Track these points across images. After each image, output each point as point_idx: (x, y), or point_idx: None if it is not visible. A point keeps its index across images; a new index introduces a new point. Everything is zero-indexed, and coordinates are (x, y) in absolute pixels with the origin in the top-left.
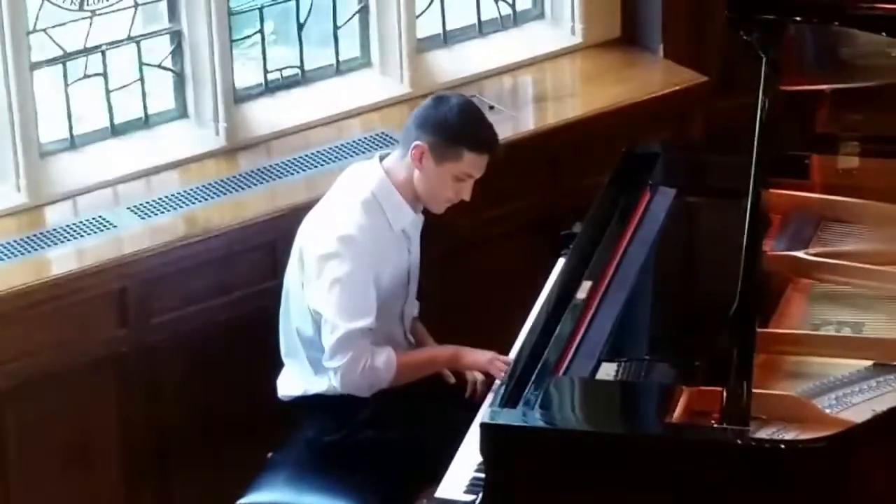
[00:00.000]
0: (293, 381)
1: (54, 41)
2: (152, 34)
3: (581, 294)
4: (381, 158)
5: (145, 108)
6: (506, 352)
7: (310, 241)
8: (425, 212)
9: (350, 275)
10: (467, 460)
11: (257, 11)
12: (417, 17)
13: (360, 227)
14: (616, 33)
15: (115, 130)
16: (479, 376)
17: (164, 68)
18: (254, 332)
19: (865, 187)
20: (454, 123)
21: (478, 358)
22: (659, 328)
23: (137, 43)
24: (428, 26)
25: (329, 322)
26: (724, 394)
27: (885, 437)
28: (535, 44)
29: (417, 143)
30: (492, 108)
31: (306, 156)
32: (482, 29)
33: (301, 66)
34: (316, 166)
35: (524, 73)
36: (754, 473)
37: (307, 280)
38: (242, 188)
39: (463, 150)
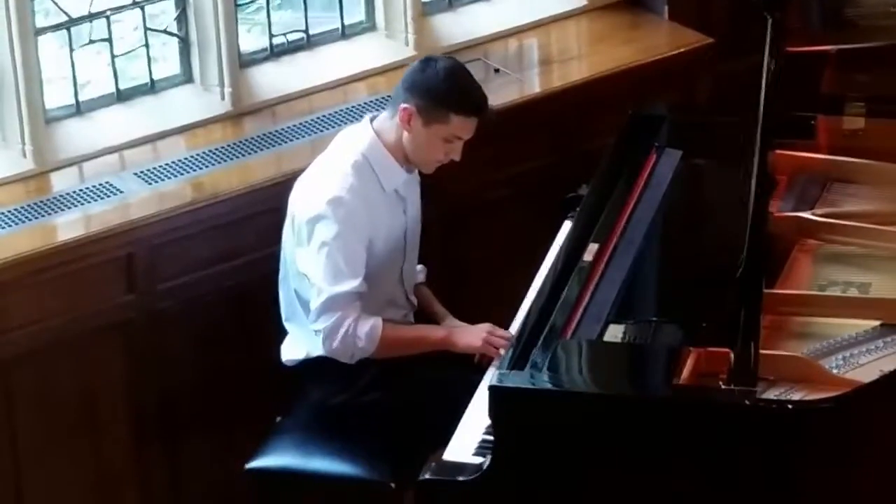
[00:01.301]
0: (295, 346)
1: (59, 7)
2: None
3: (588, 256)
4: (372, 120)
5: (150, 73)
6: (512, 315)
7: (300, 205)
8: (430, 174)
9: (337, 237)
10: (476, 423)
11: None
12: None
13: (350, 189)
14: None
15: (121, 96)
16: None
17: (170, 33)
18: (260, 297)
19: (871, 148)
20: (441, 87)
21: (471, 342)
22: (666, 290)
23: (142, 8)
24: None
25: (315, 285)
26: (732, 355)
27: (893, 397)
28: (540, 6)
29: (405, 105)
30: (497, 71)
31: (312, 120)
32: None
33: (306, 31)
34: (321, 130)
35: (529, 35)
36: (762, 434)
37: (299, 244)
38: (248, 153)
39: (450, 114)
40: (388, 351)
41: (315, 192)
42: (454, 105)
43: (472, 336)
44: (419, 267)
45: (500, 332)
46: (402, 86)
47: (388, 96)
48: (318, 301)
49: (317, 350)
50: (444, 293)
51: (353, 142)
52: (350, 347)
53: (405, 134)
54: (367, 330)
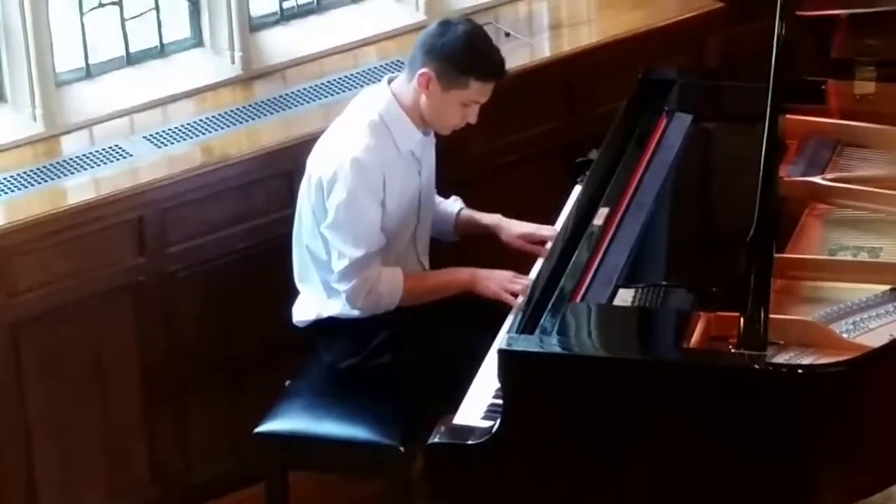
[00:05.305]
0: (307, 306)
1: None
2: None
3: (598, 221)
4: (390, 81)
5: (161, 36)
6: (523, 273)
7: (318, 165)
8: (441, 137)
9: (355, 199)
10: (485, 386)
11: None
12: None
13: (366, 149)
14: None
15: (131, 59)
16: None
17: None
18: (270, 260)
19: (882, 112)
20: (461, 52)
21: (489, 286)
22: (676, 254)
23: None
24: None
25: (335, 248)
26: (742, 319)
27: None
28: None
29: (424, 70)
30: (508, 35)
31: (322, 84)
32: None
33: None
34: (332, 94)
35: None
36: (771, 399)
37: (317, 204)
38: (258, 117)
39: (470, 79)
40: (412, 301)
41: (332, 153)
42: (474, 71)
43: (490, 283)
44: (453, 197)
45: (522, 280)
46: (421, 50)
47: (399, 60)
48: (340, 265)
49: (328, 311)
50: (456, 256)
51: (371, 102)
52: (374, 304)
53: (423, 97)
54: (389, 286)
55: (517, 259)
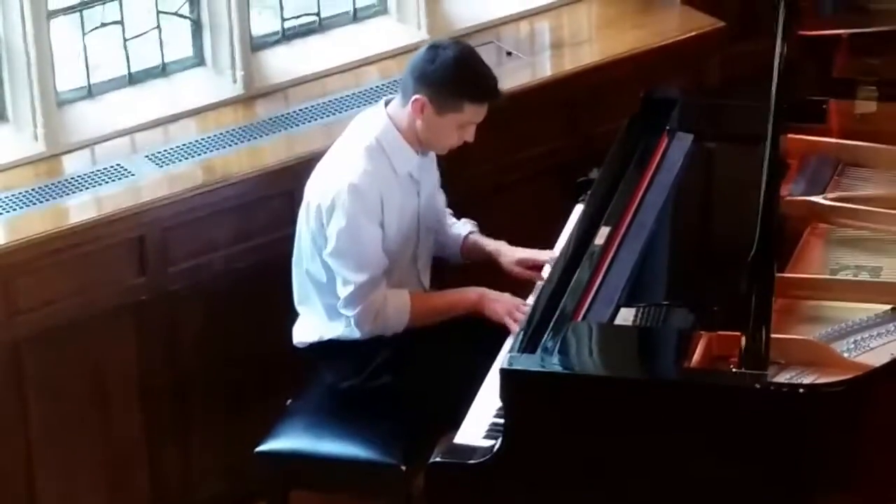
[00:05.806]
0: (308, 328)
1: None
2: None
3: (599, 240)
4: (387, 103)
5: (162, 56)
6: (524, 297)
7: (316, 192)
8: (442, 157)
9: (355, 225)
10: (486, 405)
11: None
12: None
13: (363, 174)
14: None
15: (133, 79)
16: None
17: (181, 16)
18: (272, 280)
19: (883, 132)
20: (452, 77)
21: (497, 309)
22: (677, 273)
23: None
24: None
25: (340, 275)
26: (743, 338)
27: None
28: None
29: (417, 96)
30: (509, 54)
31: (324, 103)
32: None
33: (318, 14)
34: (333, 114)
35: (541, 18)
36: (773, 418)
37: (317, 230)
38: (260, 136)
39: (464, 102)
40: (420, 322)
41: (329, 179)
42: (467, 94)
43: (497, 306)
44: (464, 220)
45: (524, 308)
46: (412, 75)
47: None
48: (346, 291)
49: (329, 333)
50: (458, 275)
51: (368, 126)
52: (381, 328)
53: (418, 122)
54: (396, 309)
55: (519, 283)
